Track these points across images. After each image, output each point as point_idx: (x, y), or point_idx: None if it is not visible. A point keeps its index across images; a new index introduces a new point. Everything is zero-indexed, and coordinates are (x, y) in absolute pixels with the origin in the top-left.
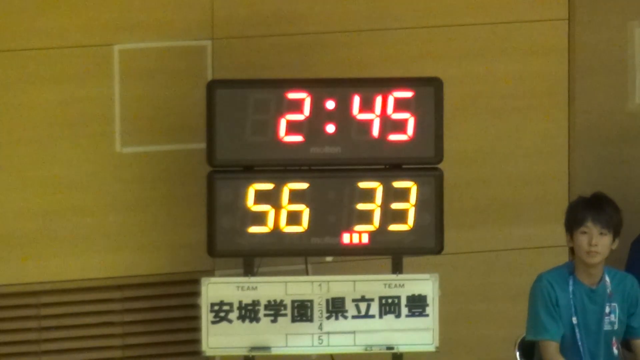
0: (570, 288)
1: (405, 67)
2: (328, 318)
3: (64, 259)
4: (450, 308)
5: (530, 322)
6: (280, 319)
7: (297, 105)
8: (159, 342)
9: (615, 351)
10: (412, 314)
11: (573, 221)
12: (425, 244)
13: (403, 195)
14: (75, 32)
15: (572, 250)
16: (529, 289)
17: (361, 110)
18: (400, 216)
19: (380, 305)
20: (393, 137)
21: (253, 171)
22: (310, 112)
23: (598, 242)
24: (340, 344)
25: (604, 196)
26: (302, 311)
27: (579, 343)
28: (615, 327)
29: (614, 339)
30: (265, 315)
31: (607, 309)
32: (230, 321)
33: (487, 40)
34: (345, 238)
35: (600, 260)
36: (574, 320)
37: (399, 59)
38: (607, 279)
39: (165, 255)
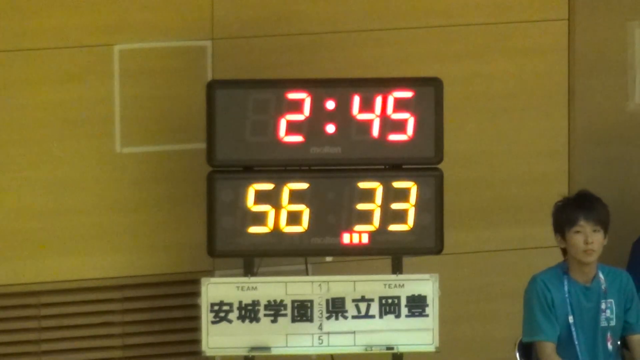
0: (565, 287)
1: (406, 67)
2: (328, 318)
3: (64, 259)
4: (450, 308)
5: (526, 323)
6: (280, 319)
7: (297, 105)
8: (159, 342)
9: (610, 347)
10: (412, 314)
11: (565, 222)
12: (425, 244)
13: (403, 195)
14: (75, 32)
15: (563, 251)
16: None
17: (361, 110)
18: (400, 216)
19: (380, 305)
20: (393, 137)
21: (253, 171)
22: (310, 112)
23: (593, 239)
24: (340, 344)
25: (590, 194)
26: (302, 311)
27: (575, 342)
28: (612, 323)
29: (608, 335)
30: (265, 315)
31: (604, 305)
32: (230, 321)
33: (487, 40)
34: (345, 238)
35: (596, 257)
36: (570, 319)
37: (399, 59)
38: (601, 275)
39: (165, 255)
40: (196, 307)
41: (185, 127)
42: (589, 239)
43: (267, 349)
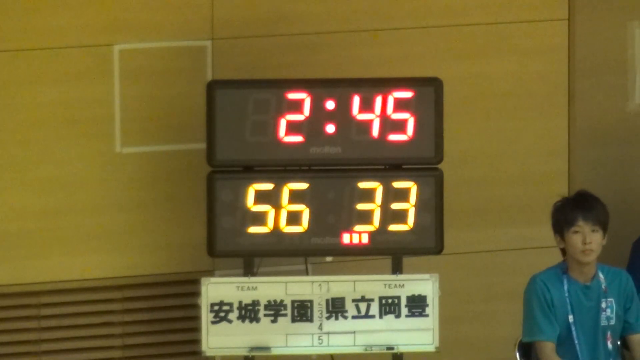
0: (565, 287)
1: (405, 67)
2: (328, 318)
3: (64, 259)
4: (450, 308)
5: (526, 323)
6: (280, 319)
7: (297, 106)
8: (159, 342)
9: (610, 346)
10: (412, 314)
11: (563, 222)
12: (425, 244)
13: (403, 195)
14: (75, 32)
15: (563, 251)
16: None
17: (361, 110)
18: (400, 216)
19: (380, 305)
20: (393, 137)
21: (253, 171)
22: (310, 112)
23: (592, 239)
24: (340, 344)
25: (589, 194)
26: (302, 311)
27: (575, 341)
28: (612, 322)
29: (608, 334)
30: (265, 315)
31: (604, 304)
32: (230, 321)
33: (487, 40)
34: (345, 238)
35: (595, 257)
36: (570, 318)
37: (399, 59)
38: (601, 275)
39: (165, 255)
40: (196, 307)
41: (185, 127)
42: (587, 239)
43: (267, 349)
